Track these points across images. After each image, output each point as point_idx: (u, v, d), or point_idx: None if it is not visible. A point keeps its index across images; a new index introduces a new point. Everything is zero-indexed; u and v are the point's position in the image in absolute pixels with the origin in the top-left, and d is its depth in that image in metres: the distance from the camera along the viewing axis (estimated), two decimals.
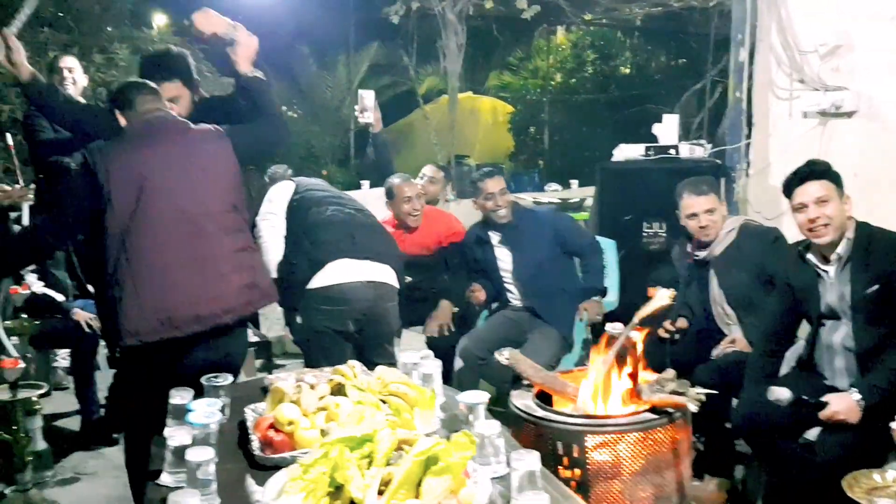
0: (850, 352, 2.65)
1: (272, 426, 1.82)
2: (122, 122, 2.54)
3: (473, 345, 3.68)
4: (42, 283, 3.97)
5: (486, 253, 3.89)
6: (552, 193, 7.20)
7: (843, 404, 2.48)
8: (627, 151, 4.59)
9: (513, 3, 7.46)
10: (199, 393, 1.99)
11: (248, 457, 1.79)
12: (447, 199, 5.81)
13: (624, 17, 9.71)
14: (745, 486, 3.09)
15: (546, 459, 1.60)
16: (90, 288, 3.78)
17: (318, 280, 3.11)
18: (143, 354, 2.41)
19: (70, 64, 4.03)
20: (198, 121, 2.64)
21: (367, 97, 4.06)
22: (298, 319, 3.24)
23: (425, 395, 1.91)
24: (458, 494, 1.44)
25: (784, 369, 2.89)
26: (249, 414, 1.96)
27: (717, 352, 3.19)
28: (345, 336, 3.18)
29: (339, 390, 1.94)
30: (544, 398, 2.56)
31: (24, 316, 3.80)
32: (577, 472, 2.32)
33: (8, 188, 3.95)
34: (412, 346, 3.38)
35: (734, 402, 2.90)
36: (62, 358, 4.62)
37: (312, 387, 1.92)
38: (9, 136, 4.59)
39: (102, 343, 3.77)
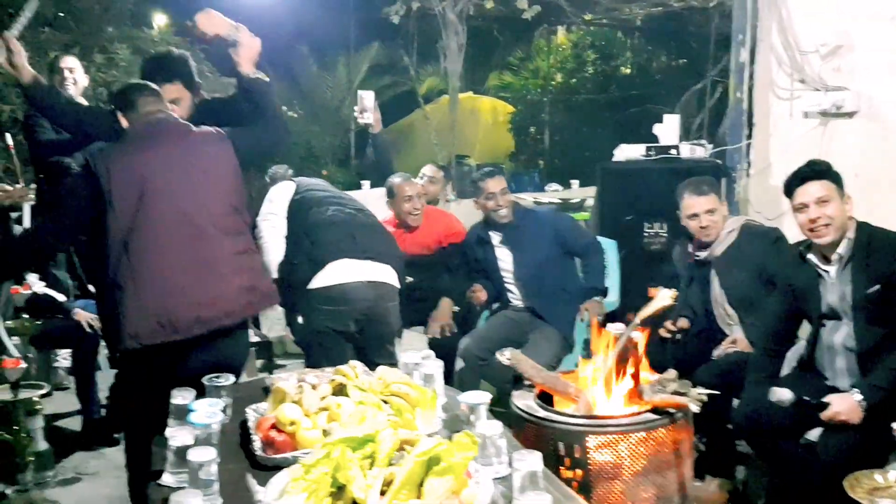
0: (852, 352, 2.65)
1: (274, 426, 1.81)
2: (124, 123, 2.55)
3: (474, 345, 3.68)
4: (43, 283, 3.97)
5: (486, 253, 3.88)
6: (553, 193, 7.18)
7: (845, 405, 2.48)
8: (628, 151, 4.58)
9: (513, 3, 7.45)
10: (201, 393, 1.99)
11: (250, 457, 1.79)
12: (447, 199, 5.81)
13: (624, 17, 9.72)
14: (747, 487, 3.09)
15: (548, 460, 1.59)
16: (91, 288, 3.78)
17: (319, 280, 3.11)
18: (143, 356, 2.41)
19: (71, 64, 4.03)
20: (199, 122, 2.64)
21: (367, 98, 4.06)
22: (299, 319, 3.25)
23: (427, 396, 1.91)
24: (459, 495, 1.44)
25: (785, 370, 2.89)
26: (251, 414, 1.95)
27: (718, 352, 3.19)
28: (346, 336, 3.19)
29: (340, 390, 1.94)
30: (545, 398, 2.56)
31: (26, 316, 3.81)
32: (579, 472, 2.32)
33: (8, 188, 3.96)
34: (413, 346, 3.37)
35: (735, 402, 2.90)
36: (63, 358, 4.61)
37: (314, 387, 1.92)
38: (9, 136, 4.58)
39: (103, 343, 3.76)
